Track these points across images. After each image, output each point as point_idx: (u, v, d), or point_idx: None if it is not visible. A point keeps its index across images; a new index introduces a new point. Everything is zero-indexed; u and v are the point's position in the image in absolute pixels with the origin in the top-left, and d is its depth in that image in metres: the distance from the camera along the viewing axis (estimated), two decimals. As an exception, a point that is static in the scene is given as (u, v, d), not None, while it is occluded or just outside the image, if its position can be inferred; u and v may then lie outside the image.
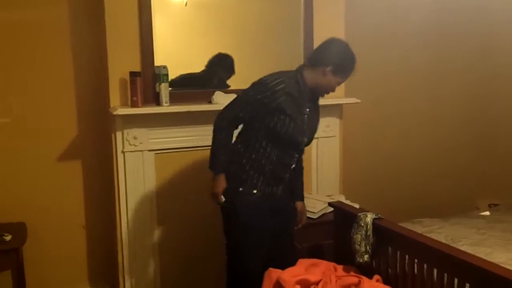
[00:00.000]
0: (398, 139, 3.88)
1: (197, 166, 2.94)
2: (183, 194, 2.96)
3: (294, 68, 2.37)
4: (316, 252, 2.61)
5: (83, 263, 3.14)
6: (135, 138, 2.79)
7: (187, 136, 2.90)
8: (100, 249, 3.15)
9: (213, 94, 2.86)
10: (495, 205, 3.64)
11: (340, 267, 2.31)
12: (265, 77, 2.27)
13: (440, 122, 4.05)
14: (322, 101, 2.52)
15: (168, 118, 2.82)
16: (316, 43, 2.50)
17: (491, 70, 4.02)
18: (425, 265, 2.04)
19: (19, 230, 2.78)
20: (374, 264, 2.30)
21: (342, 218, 2.51)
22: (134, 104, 2.72)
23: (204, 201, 2.97)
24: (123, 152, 2.79)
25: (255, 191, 2.30)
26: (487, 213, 3.22)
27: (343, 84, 3.12)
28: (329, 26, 3.04)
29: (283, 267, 2.22)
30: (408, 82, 3.87)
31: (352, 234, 2.30)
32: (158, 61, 2.81)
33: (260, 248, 2.33)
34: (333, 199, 2.94)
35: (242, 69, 3.07)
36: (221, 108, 2.36)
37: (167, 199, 2.94)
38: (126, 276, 2.88)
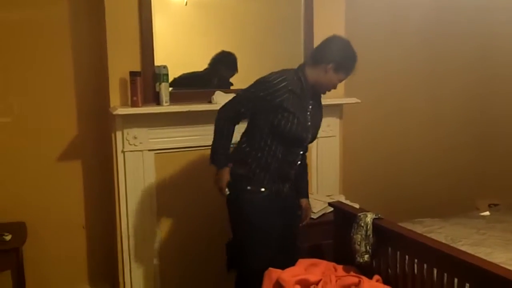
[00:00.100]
0: (398, 139, 3.87)
1: (197, 166, 2.94)
2: (183, 194, 2.96)
3: (295, 67, 2.37)
4: (316, 252, 2.61)
5: (83, 263, 3.14)
6: (135, 138, 2.79)
7: (187, 136, 2.90)
8: (100, 249, 3.14)
9: (213, 94, 2.86)
10: (495, 205, 3.64)
11: (340, 267, 2.31)
12: (267, 75, 2.29)
13: (440, 122, 4.05)
14: (322, 101, 2.52)
15: (168, 118, 2.82)
16: (317, 43, 2.50)
17: (491, 70, 4.02)
18: (425, 265, 2.04)
19: (19, 230, 2.77)
20: (374, 264, 2.30)
21: (342, 218, 2.51)
22: (134, 104, 2.72)
23: (204, 201, 2.99)
24: (123, 152, 2.79)
25: (263, 189, 2.33)
26: (487, 213, 3.22)
27: (343, 84, 3.14)
28: (329, 26, 3.04)
29: (287, 266, 2.23)
30: (408, 82, 3.87)
31: (352, 234, 2.30)
32: (158, 61, 2.81)
33: (267, 248, 2.34)
34: (333, 199, 2.94)
35: (242, 68, 3.07)
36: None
37: (167, 199, 2.93)
38: (126, 276, 2.88)
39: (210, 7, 3.05)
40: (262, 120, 2.29)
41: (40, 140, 2.93)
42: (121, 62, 2.74)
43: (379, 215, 2.31)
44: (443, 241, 2.35)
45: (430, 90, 3.97)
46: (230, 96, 2.58)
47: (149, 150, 2.84)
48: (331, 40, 2.34)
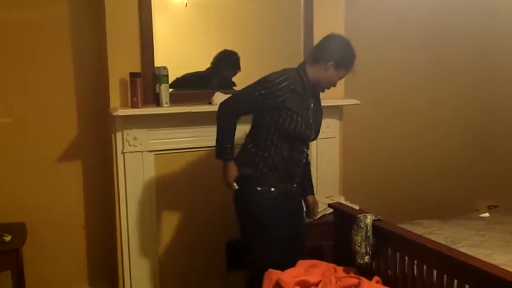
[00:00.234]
0: (398, 140, 3.87)
1: (197, 167, 2.94)
2: (183, 195, 2.96)
3: (295, 67, 2.39)
4: (316, 253, 2.61)
5: (83, 264, 3.14)
6: (135, 138, 2.79)
7: (187, 137, 2.91)
8: (100, 249, 3.15)
9: (213, 95, 2.86)
10: (495, 206, 3.64)
11: (340, 268, 2.31)
12: (269, 74, 2.31)
13: (440, 123, 4.05)
14: (322, 102, 2.53)
15: (168, 119, 2.82)
16: (316, 44, 2.50)
17: (491, 71, 4.02)
18: (424, 267, 2.04)
19: (19, 230, 2.77)
20: (373, 266, 2.30)
21: (342, 219, 2.52)
22: (134, 105, 2.72)
23: (204, 202, 2.99)
24: (123, 152, 2.79)
25: (272, 189, 2.35)
26: (487, 214, 3.23)
27: (343, 86, 3.15)
28: (329, 27, 2.99)
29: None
30: (408, 83, 3.87)
31: (352, 236, 2.30)
32: (158, 62, 2.81)
33: (278, 249, 2.34)
34: (333, 200, 2.93)
35: (242, 69, 3.07)
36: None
37: (167, 200, 2.93)
38: (125, 277, 2.88)
39: (210, 8, 3.05)
40: (267, 120, 2.30)
41: (40, 140, 2.93)
42: (121, 63, 2.74)
43: (379, 217, 2.31)
44: (443, 242, 2.35)
45: (430, 91, 3.97)
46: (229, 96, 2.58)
47: (149, 151, 2.84)
48: (330, 38, 2.37)
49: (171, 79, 2.82)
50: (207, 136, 2.81)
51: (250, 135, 2.42)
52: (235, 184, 2.35)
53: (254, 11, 3.17)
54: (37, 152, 2.93)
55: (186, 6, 2.95)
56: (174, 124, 2.86)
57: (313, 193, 2.65)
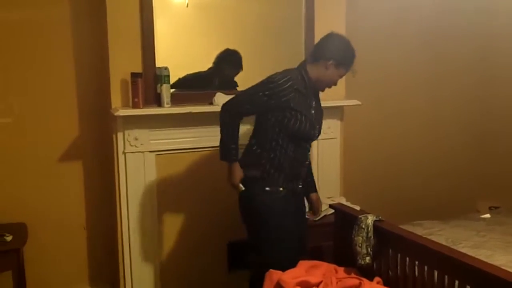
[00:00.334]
0: (398, 141, 3.88)
1: (198, 167, 2.94)
2: (184, 195, 2.96)
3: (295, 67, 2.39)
4: (317, 254, 2.61)
5: (84, 264, 3.14)
6: (136, 139, 2.79)
7: (188, 138, 2.90)
8: (100, 249, 3.14)
9: (214, 95, 2.86)
10: (496, 207, 3.65)
11: (341, 269, 2.32)
12: (272, 75, 2.31)
13: (440, 123, 4.05)
14: (323, 103, 2.53)
15: (169, 119, 2.82)
16: (317, 45, 2.50)
17: (491, 71, 4.03)
18: (425, 267, 2.05)
19: (20, 230, 2.77)
20: (374, 266, 2.30)
21: (342, 220, 2.52)
22: (135, 105, 2.72)
23: (206, 202, 2.99)
24: (124, 153, 2.79)
25: (281, 189, 2.35)
26: (487, 215, 3.23)
27: (344, 86, 3.15)
28: (330, 27, 2.99)
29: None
30: (409, 83, 3.87)
31: (353, 236, 2.30)
32: (159, 62, 2.81)
33: (287, 248, 2.34)
34: (334, 201, 2.94)
35: (243, 69, 3.07)
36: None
37: (168, 200, 2.93)
38: (126, 277, 2.88)
39: (211, 8, 3.05)
40: (271, 121, 2.31)
41: (41, 140, 2.93)
42: (123, 63, 2.74)
43: (380, 217, 2.31)
44: (444, 243, 2.35)
45: (430, 92, 3.98)
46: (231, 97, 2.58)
47: (150, 151, 2.84)
48: (329, 37, 2.38)
49: (172, 79, 2.82)
50: (208, 137, 2.82)
51: (254, 137, 2.42)
52: (241, 186, 2.34)
53: (255, 12, 3.16)
54: (38, 152, 2.93)
55: (187, 6, 2.95)
56: (175, 125, 2.86)
57: (316, 191, 2.66)
